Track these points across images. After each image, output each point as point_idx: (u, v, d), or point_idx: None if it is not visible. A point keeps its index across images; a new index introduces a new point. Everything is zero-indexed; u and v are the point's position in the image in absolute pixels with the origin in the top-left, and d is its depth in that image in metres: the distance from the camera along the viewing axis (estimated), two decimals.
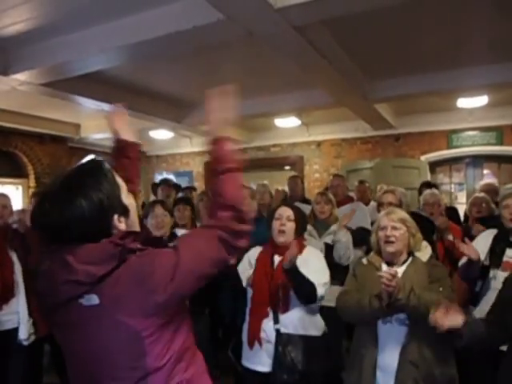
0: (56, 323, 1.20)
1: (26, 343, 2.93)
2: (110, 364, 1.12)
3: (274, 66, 4.43)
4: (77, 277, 1.07)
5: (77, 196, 1.11)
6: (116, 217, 1.17)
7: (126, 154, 1.59)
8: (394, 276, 1.96)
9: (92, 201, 1.11)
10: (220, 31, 3.13)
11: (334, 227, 3.24)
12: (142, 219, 2.85)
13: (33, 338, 2.97)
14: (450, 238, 3.11)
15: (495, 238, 2.74)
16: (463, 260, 2.70)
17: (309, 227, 3.11)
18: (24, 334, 2.91)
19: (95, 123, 7.08)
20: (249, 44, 3.65)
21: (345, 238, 3.14)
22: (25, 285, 2.96)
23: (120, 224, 1.18)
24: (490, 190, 4.26)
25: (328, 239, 3.18)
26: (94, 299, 1.08)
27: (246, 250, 2.57)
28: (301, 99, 5.55)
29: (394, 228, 2.21)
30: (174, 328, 1.16)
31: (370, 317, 2.13)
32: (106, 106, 5.42)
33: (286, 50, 3.70)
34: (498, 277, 2.51)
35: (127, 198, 1.24)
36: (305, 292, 2.36)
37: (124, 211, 1.20)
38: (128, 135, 1.62)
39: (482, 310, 2.40)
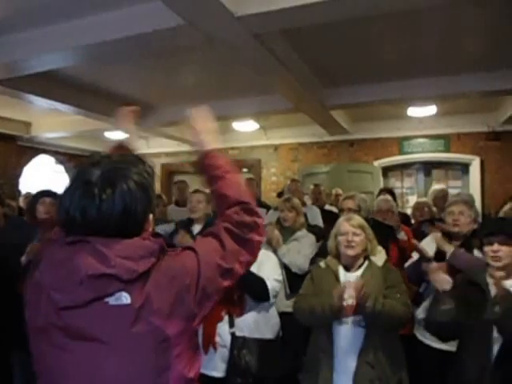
0: (59, 326, 0.97)
1: None
2: (127, 380, 0.97)
3: (233, 71, 4.46)
4: (115, 271, 0.95)
5: (131, 185, 1.03)
6: (151, 216, 1.12)
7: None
8: (362, 287, 2.07)
9: (147, 193, 1.07)
10: (180, 36, 3.13)
11: (299, 233, 3.28)
12: None
13: None
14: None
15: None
16: (412, 259, 2.80)
17: (276, 233, 3.16)
18: None
19: (48, 122, 6.84)
20: (208, 48, 3.67)
21: (285, 253, 3.12)
22: None
23: (150, 225, 1.13)
24: (445, 196, 4.42)
25: (292, 245, 3.18)
26: (124, 298, 0.95)
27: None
28: (259, 104, 5.61)
29: (355, 234, 2.31)
30: (196, 345, 1.08)
31: (321, 321, 2.21)
32: (59, 106, 5.27)
33: (245, 57, 3.74)
34: None
35: None
36: (253, 287, 2.37)
37: (154, 212, 1.16)
38: (132, 137, 1.66)
39: (425, 310, 2.51)
